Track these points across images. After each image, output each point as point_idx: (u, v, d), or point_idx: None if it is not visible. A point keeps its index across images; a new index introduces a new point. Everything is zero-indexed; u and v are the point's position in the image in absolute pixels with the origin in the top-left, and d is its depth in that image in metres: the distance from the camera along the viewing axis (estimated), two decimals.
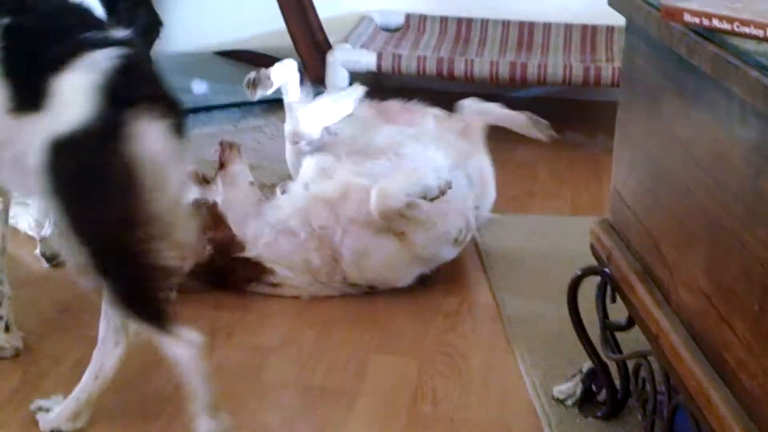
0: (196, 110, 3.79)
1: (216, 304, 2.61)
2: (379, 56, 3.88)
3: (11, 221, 2.95)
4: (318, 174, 2.78)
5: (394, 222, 2.64)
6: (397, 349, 2.45)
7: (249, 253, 2.69)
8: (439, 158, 2.81)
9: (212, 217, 2.72)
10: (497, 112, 3.13)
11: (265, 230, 2.71)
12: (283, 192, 2.80)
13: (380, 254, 2.69)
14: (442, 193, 2.64)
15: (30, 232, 2.93)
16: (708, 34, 1.67)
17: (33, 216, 2.93)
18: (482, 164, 2.98)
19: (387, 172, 2.71)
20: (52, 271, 2.76)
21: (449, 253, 2.78)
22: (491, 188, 3.00)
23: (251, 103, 3.72)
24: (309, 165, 2.82)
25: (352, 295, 2.69)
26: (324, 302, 2.66)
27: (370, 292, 2.71)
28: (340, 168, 2.77)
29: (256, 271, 2.70)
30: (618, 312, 2.17)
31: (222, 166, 2.80)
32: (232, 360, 2.37)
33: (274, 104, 3.52)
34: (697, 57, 1.68)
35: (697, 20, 1.68)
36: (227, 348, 2.42)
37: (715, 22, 1.66)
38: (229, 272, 2.69)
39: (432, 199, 2.63)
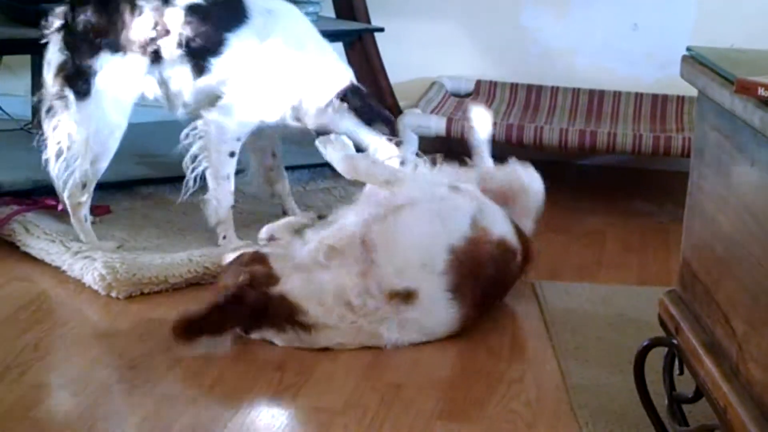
0: None
1: (280, 365, 2.61)
2: (449, 121, 3.90)
3: (77, 275, 3.01)
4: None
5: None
6: (461, 416, 2.44)
7: (282, 287, 2.68)
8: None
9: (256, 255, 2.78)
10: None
11: (293, 269, 2.73)
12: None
13: (407, 224, 2.75)
14: None
15: (95, 287, 2.96)
16: None
17: (99, 270, 2.97)
18: None
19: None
20: (120, 327, 2.79)
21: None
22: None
23: (321, 165, 3.77)
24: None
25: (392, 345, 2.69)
26: (389, 365, 2.66)
27: (407, 302, 2.70)
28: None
29: (287, 308, 2.68)
30: (685, 384, 2.15)
31: None
32: (297, 422, 2.37)
33: None
34: None
35: None
36: (291, 410, 2.42)
37: None
38: (261, 308, 2.67)
39: None
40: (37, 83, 4.13)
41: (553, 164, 3.85)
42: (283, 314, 2.68)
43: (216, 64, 3.20)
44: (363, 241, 2.72)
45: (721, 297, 1.97)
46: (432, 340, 2.76)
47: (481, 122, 3.39)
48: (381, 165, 2.96)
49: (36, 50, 3.27)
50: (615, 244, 3.56)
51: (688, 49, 2.16)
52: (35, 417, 2.32)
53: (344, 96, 3.24)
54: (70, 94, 3.14)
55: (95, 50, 3.13)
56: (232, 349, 2.68)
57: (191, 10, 3.18)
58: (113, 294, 2.93)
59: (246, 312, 2.66)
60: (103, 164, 3.21)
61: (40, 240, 3.18)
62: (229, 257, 2.87)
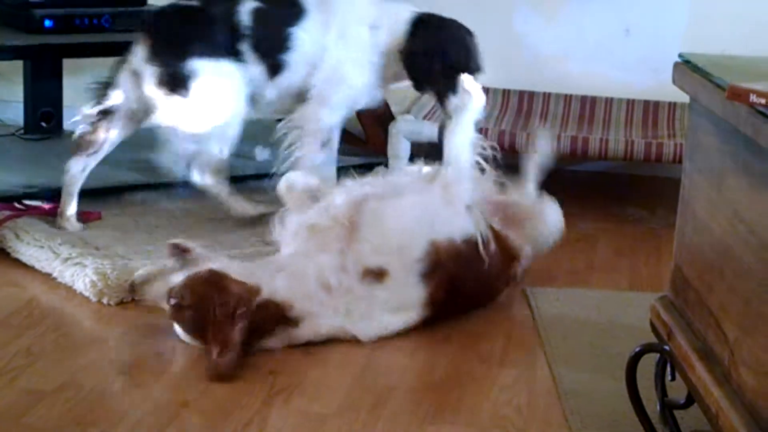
0: (259, 176, 3.82)
1: (273, 369, 2.61)
2: (441, 127, 3.90)
3: (68, 281, 3.00)
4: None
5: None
6: (453, 420, 2.44)
7: (266, 292, 2.68)
8: None
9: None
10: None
11: (275, 271, 2.76)
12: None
13: (395, 210, 2.82)
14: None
15: (87, 293, 2.96)
16: None
17: (89, 276, 2.96)
18: None
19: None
20: (112, 333, 2.79)
21: (462, 217, 2.88)
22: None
23: None
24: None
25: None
26: (381, 369, 2.66)
27: (379, 280, 2.75)
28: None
29: (275, 309, 2.69)
30: (677, 390, 2.16)
31: None
32: (288, 426, 2.37)
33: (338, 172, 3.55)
34: (763, 137, 1.68)
35: (763, 101, 1.69)
36: (284, 414, 2.42)
37: None
38: (258, 321, 2.67)
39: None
40: (29, 89, 4.14)
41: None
42: (273, 317, 2.69)
43: (290, 60, 3.37)
44: (350, 220, 2.79)
45: (712, 302, 1.98)
46: (402, 330, 2.80)
47: (543, 147, 3.39)
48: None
49: (28, 56, 3.28)
50: (607, 249, 3.57)
51: (680, 55, 2.16)
52: (27, 423, 2.32)
53: None
54: (170, 97, 3.31)
55: (184, 56, 3.30)
56: None
57: (254, 12, 3.34)
58: (104, 300, 2.92)
59: (243, 338, 2.63)
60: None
61: (30, 246, 3.17)
62: (142, 274, 2.82)
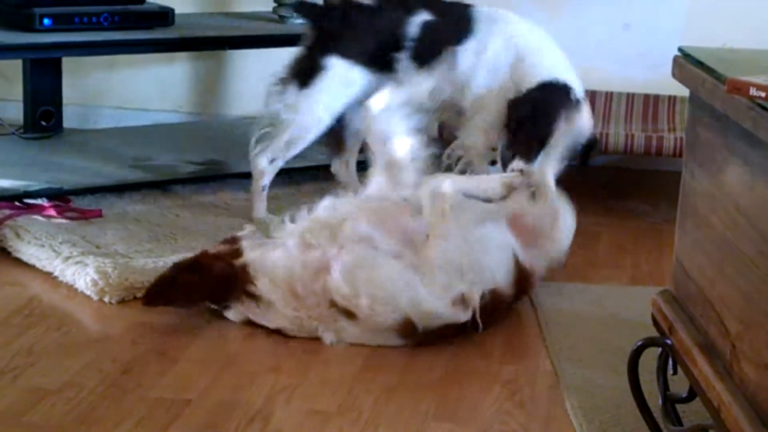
0: None
1: (275, 367, 2.61)
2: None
3: (69, 280, 3.00)
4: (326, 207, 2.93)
5: (435, 210, 2.82)
6: (455, 417, 2.44)
7: (244, 259, 2.78)
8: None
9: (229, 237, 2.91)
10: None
11: (262, 243, 2.84)
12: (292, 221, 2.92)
13: (378, 268, 2.74)
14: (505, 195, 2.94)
15: (88, 292, 2.96)
16: None
17: (91, 275, 2.96)
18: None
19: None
20: (113, 332, 2.78)
21: (444, 309, 2.73)
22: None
23: (315, 167, 3.78)
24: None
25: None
26: (383, 366, 2.66)
27: (347, 317, 2.72)
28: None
29: (245, 278, 2.76)
30: (679, 384, 2.16)
31: None
32: (290, 425, 2.37)
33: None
34: (763, 130, 1.68)
35: (763, 94, 1.68)
36: (286, 412, 2.42)
37: None
38: (226, 277, 2.77)
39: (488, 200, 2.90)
40: (29, 88, 4.14)
41: None
42: (242, 284, 2.75)
43: (445, 74, 3.34)
44: (338, 250, 2.76)
45: (714, 296, 1.97)
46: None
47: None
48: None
49: (28, 54, 3.28)
50: (608, 244, 3.57)
51: (680, 49, 2.16)
52: (28, 422, 2.32)
53: None
54: (294, 82, 3.38)
55: (328, 51, 3.35)
56: (226, 353, 2.69)
57: (423, 24, 3.35)
58: (105, 299, 2.92)
59: (212, 280, 2.77)
60: (296, 150, 3.43)
61: (30, 245, 3.17)
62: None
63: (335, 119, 3.41)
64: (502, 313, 2.89)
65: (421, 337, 2.73)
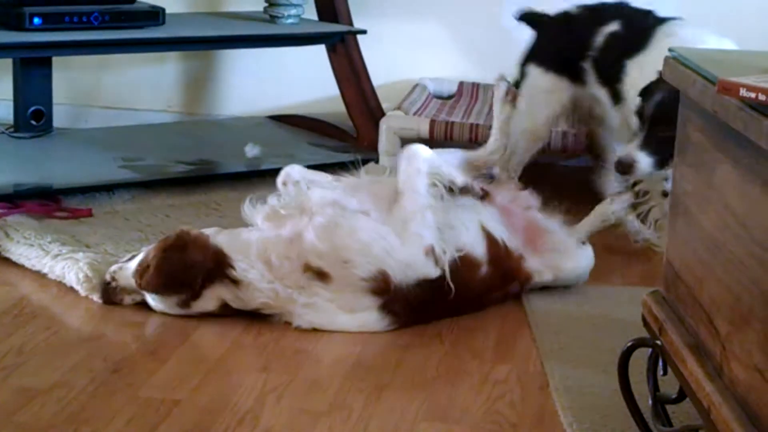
0: (249, 174, 3.83)
1: (265, 367, 2.61)
2: (432, 123, 3.91)
3: (58, 275, 3.00)
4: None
5: (410, 168, 2.85)
6: (445, 416, 2.44)
7: (214, 241, 2.80)
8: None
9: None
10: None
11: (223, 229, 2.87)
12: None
13: (350, 222, 2.78)
14: (466, 191, 2.88)
15: (78, 287, 2.95)
16: (764, 110, 1.67)
17: (83, 271, 2.96)
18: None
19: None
20: (103, 331, 2.78)
21: (416, 257, 2.79)
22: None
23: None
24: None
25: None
26: (374, 366, 2.66)
27: (321, 280, 2.76)
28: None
29: (217, 259, 2.77)
30: (669, 384, 2.16)
31: None
32: (280, 424, 2.37)
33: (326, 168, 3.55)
34: (753, 132, 1.69)
35: (753, 95, 1.69)
36: (276, 412, 2.42)
37: None
38: (192, 262, 2.77)
39: (451, 190, 2.87)
40: (19, 87, 4.14)
41: (535, 165, 3.86)
42: (221, 267, 2.77)
43: (623, 91, 3.36)
44: (310, 219, 2.80)
45: (704, 297, 1.98)
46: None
47: None
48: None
49: (18, 54, 3.27)
50: (599, 244, 3.56)
51: (670, 49, 2.16)
52: (18, 421, 2.31)
53: None
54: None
55: (525, 59, 3.57)
56: (215, 353, 2.68)
57: (609, 36, 3.42)
58: (94, 297, 2.91)
59: (208, 257, 2.77)
60: (520, 158, 3.64)
61: (20, 245, 3.16)
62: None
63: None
64: (475, 285, 2.91)
65: (395, 298, 2.77)
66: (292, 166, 3.06)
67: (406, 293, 2.79)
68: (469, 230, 2.92)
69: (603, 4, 3.54)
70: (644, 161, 3.10)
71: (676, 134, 2.16)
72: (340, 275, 2.76)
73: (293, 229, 2.80)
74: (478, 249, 2.92)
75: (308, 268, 2.77)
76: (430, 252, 2.81)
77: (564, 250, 3.10)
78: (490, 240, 2.95)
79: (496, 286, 2.97)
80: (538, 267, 3.04)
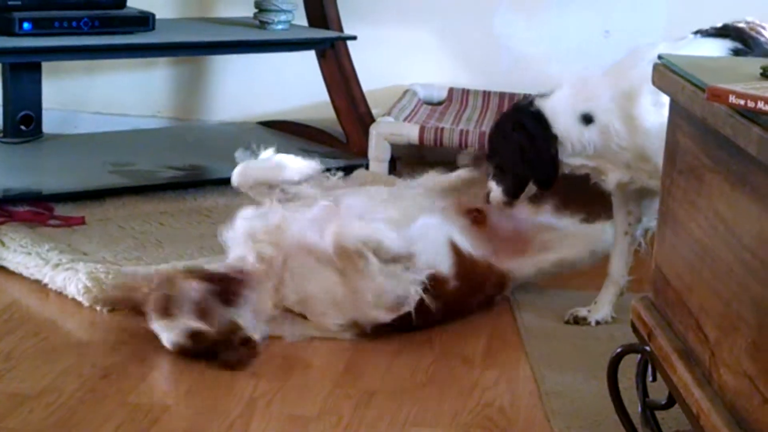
0: None
1: (254, 372, 2.61)
2: (422, 129, 3.91)
3: (59, 287, 2.99)
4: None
5: (345, 262, 2.75)
6: (435, 422, 2.44)
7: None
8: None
9: None
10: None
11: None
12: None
13: (321, 280, 2.77)
14: (395, 261, 2.76)
15: (79, 298, 2.94)
16: (753, 116, 1.68)
17: (83, 282, 2.95)
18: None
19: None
20: (93, 337, 2.78)
21: (385, 315, 2.78)
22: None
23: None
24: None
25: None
26: (363, 372, 2.66)
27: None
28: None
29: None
30: (658, 390, 2.16)
31: None
32: (270, 430, 2.37)
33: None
34: (742, 138, 1.69)
35: (742, 102, 1.69)
36: (266, 418, 2.42)
37: (761, 105, 1.67)
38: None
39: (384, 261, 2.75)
40: (8, 93, 4.13)
41: None
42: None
43: None
44: (284, 261, 2.79)
45: (693, 303, 1.98)
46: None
47: None
48: None
49: (7, 59, 3.27)
50: None
51: (660, 56, 2.16)
52: (7, 427, 2.31)
53: None
54: None
55: None
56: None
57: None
58: (98, 307, 2.90)
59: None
60: None
61: (17, 254, 3.14)
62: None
63: None
64: (451, 301, 2.90)
65: (372, 332, 2.80)
66: (246, 164, 3.01)
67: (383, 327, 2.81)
68: (437, 251, 2.91)
69: None
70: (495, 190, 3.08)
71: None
72: (317, 322, 2.80)
73: (270, 272, 2.79)
74: (444, 265, 2.90)
75: (288, 310, 2.80)
76: (396, 307, 2.79)
77: (552, 246, 3.14)
78: (456, 252, 2.94)
79: (469, 292, 2.97)
80: (517, 265, 3.05)
